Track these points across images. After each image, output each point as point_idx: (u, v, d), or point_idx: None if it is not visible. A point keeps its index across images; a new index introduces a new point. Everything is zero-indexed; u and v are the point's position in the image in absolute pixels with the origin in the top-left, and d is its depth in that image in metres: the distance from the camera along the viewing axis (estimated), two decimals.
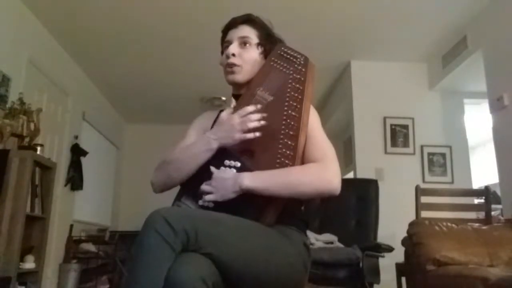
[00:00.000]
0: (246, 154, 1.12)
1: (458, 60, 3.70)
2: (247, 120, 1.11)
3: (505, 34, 3.09)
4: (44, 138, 3.52)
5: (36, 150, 2.96)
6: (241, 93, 1.28)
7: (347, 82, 4.42)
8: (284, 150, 1.10)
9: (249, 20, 1.29)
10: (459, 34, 3.65)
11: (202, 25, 3.59)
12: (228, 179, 1.06)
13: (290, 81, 1.19)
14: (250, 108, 1.13)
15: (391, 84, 4.23)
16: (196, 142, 1.20)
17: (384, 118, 4.13)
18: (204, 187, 1.08)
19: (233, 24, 1.30)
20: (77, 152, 4.41)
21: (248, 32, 1.28)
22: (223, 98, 5.16)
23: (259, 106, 1.14)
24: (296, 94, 1.16)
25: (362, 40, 3.91)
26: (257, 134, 1.11)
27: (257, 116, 1.12)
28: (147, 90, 5.15)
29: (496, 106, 3.12)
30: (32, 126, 2.92)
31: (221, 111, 1.37)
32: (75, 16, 3.52)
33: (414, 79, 4.26)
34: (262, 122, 1.11)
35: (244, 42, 1.27)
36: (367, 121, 4.14)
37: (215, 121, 1.32)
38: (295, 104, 1.15)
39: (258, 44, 1.28)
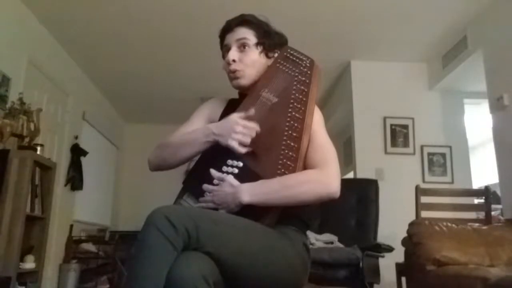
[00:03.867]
0: (249, 154, 1.12)
1: (458, 60, 3.70)
2: (243, 133, 1.10)
3: (505, 34, 3.09)
4: (44, 138, 3.51)
5: (36, 150, 2.96)
6: (247, 93, 1.28)
7: (347, 82, 4.42)
8: (286, 151, 1.10)
9: (244, 21, 1.28)
10: (459, 34, 3.65)
11: (202, 25, 3.59)
12: (228, 195, 1.06)
13: (295, 83, 1.19)
14: (256, 127, 1.12)
15: (391, 84, 4.23)
16: (197, 130, 1.21)
17: (384, 118, 4.13)
18: (209, 205, 1.08)
19: (228, 27, 1.29)
20: (77, 152, 4.41)
21: (245, 33, 1.26)
22: None
23: (256, 126, 1.12)
24: (300, 96, 1.16)
25: (362, 40, 3.92)
26: (243, 150, 1.10)
27: (251, 133, 1.11)
28: (147, 90, 5.15)
29: (496, 106, 3.12)
30: (32, 126, 2.92)
31: (231, 100, 1.37)
32: (75, 16, 3.52)
33: (414, 79, 4.26)
34: (248, 141, 1.10)
35: (242, 45, 1.26)
36: (367, 121, 4.14)
37: (223, 111, 1.32)
38: (299, 106, 1.15)
39: (257, 44, 1.27)
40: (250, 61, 1.26)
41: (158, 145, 1.27)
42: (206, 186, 1.10)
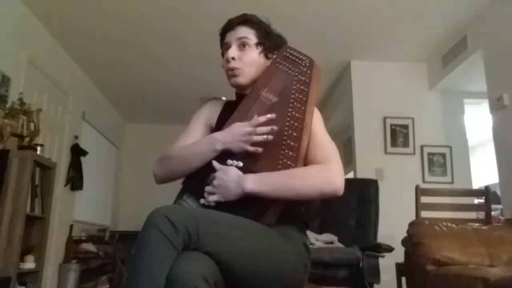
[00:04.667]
0: (249, 154, 1.12)
1: (458, 60, 3.70)
2: (254, 132, 1.10)
3: (505, 34, 3.09)
4: (44, 138, 3.51)
5: (36, 150, 2.96)
6: (246, 93, 1.28)
7: (347, 82, 4.42)
8: (286, 151, 1.10)
9: (245, 20, 1.28)
10: (459, 34, 3.65)
11: (202, 25, 3.59)
12: (231, 181, 1.05)
13: (295, 82, 1.19)
14: (261, 118, 1.12)
15: (391, 84, 4.23)
16: (202, 141, 1.20)
17: (384, 118, 4.13)
18: (207, 188, 1.08)
19: (229, 26, 1.29)
20: (77, 152, 4.41)
21: (246, 32, 1.27)
22: (223, 98, 5.14)
23: (270, 115, 1.12)
24: (300, 96, 1.16)
25: (362, 40, 3.92)
26: (259, 150, 1.10)
27: (266, 129, 1.11)
28: (147, 90, 5.15)
29: (496, 106, 3.12)
30: (32, 126, 2.92)
31: (228, 102, 1.37)
32: (75, 16, 3.52)
33: (414, 79, 4.26)
34: (270, 137, 1.10)
35: (243, 44, 1.26)
36: (367, 121, 4.15)
37: (221, 113, 1.32)
38: (299, 105, 1.15)
39: (257, 44, 1.27)
40: (250, 60, 1.26)
41: (162, 157, 1.25)
42: (215, 163, 1.10)
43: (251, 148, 1.10)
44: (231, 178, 1.06)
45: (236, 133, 1.11)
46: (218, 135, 1.16)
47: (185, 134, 1.30)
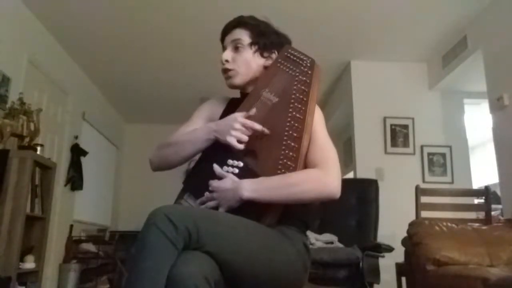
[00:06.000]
0: (249, 154, 1.12)
1: (458, 60, 3.70)
2: (241, 130, 1.12)
3: (505, 34, 3.09)
4: (44, 138, 3.52)
5: (36, 150, 2.96)
6: (248, 92, 1.29)
7: (347, 82, 4.42)
8: (287, 151, 1.10)
9: (239, 22, 1.30)
10: (459, 34, 3.65)
11: (202, 25, 3.59)
12: (228, 190, 1.06)
13: (295, 83, 1.19)
14: (257, 126, 1.12)
15: (391, 84, 4.23)
16: (198, 129, 1.23)
17: (384, 118, 4.13)
18: (210, 203, 1.09)
19: (226, 29, 1.32)
20: (77, 152, 4.41)
21: (239, 34, 1.28)
22: None
23: (266, 130, 1.13)
24: (301, 96, 1.16)
25: (362, 40, 3.92)
26: (241, 147, 1.11)
27: (246, 135, 1.12)
28: (147, 90, 5.15)
29: (496, 106, 3.12)
30: (32, 126, 2.92)
31: (232, 99, 1.38)
32: (75, 16, 3.52)
33: (414, 79, 4.27)
34: (246, 138, 1.11)
35: (236, 46, 1.28)
36: (367, 121, 4.15)
37: (225, 109, 1.34)
38: (299, 106, 1.15)
39: (251, 44, 1.28)
40: (243, 61, 1.27)
41: (158, 145, 1.28)
42: (211, 182, 1.11)
43: (238, 146, 1.11)
44: (227, 188, 1.07)
45: (227, 125, 1.13)
46: (212, 124, 1.19)
47: (186, 125, 1.32)
